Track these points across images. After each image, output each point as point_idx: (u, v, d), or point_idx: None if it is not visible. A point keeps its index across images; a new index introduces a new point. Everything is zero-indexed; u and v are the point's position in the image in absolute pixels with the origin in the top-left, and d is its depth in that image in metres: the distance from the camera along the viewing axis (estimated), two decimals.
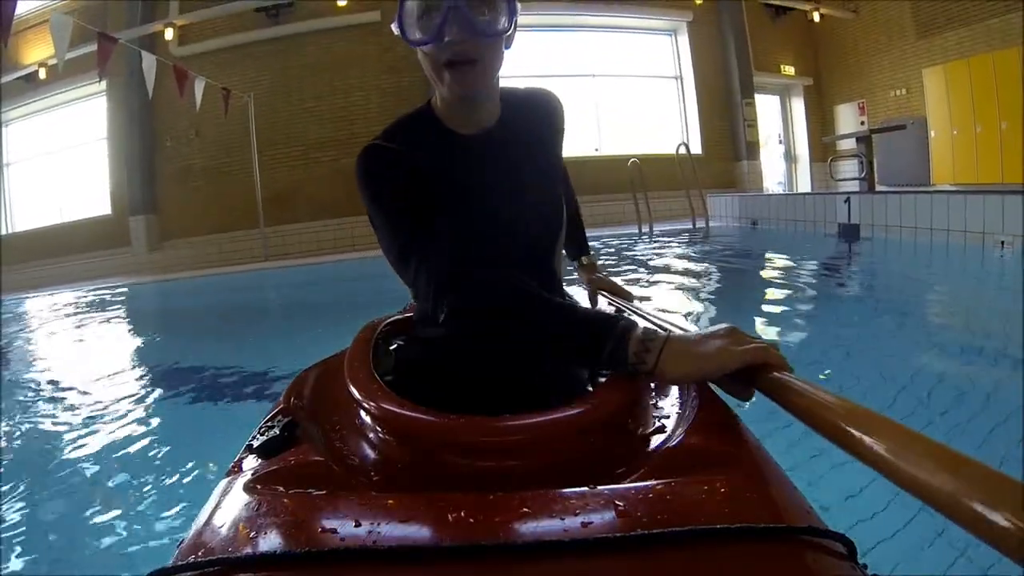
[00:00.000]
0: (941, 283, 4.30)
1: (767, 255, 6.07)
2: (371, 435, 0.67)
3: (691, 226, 8.08)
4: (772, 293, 4.46)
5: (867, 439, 0.44)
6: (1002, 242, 4.43)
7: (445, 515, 0.48)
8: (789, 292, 4.39)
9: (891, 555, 1.21)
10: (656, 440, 0.64)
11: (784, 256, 5.85)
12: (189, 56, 9.42)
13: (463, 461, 0.60)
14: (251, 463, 0.61)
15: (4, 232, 10.99)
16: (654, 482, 0.53)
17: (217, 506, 0.54)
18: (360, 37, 9.78)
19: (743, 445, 0.60)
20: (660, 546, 0.44)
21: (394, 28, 0.80)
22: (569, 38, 10.82)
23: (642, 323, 0.68)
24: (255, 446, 0.64)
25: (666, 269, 5.35)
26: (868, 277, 4.76)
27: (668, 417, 0.68)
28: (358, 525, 0.47)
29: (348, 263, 7.95)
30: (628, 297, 1.21)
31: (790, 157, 12.60)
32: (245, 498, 0.53)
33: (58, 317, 6.24)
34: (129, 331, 5.51)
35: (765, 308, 3.89)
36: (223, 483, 0.58)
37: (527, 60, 9.89)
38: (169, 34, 9.60)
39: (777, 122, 12.58)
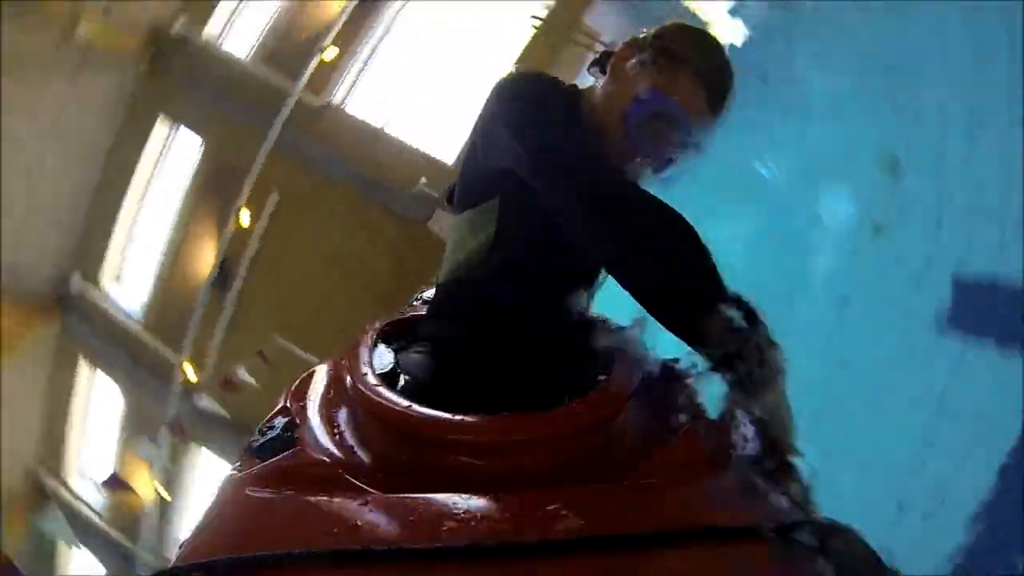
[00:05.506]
0: None
1: None
2: (371, 435, 0.67)
3: None
4: None
5: None
6: None
7: (445, 515, 0.48)
8: None
9: None
10: (657, 440, 0.64)
11: None
12: None
13: (463, 460, 0.60)
14: (251, 463, 0.61)
15: None
16: (654, 482, 0.53)
17: (218, 507, 0.55)
18: None
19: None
20: (660, 545, 0.44)
21: (647, 78, 0.80)
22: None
23: None
24: (255, 446, 0.63)
25: None
26: None
27: (669, 417, 0.68)
28: (358, 525, 0.47)
29: None
30: None
31: None
32: (246, 498, 0.54)
33: None
34: None
35: None
36: (223, 483, 0.59)
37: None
38: None
39: None
